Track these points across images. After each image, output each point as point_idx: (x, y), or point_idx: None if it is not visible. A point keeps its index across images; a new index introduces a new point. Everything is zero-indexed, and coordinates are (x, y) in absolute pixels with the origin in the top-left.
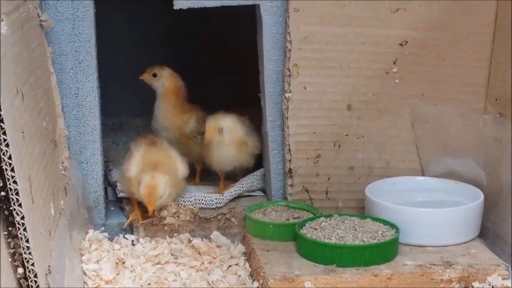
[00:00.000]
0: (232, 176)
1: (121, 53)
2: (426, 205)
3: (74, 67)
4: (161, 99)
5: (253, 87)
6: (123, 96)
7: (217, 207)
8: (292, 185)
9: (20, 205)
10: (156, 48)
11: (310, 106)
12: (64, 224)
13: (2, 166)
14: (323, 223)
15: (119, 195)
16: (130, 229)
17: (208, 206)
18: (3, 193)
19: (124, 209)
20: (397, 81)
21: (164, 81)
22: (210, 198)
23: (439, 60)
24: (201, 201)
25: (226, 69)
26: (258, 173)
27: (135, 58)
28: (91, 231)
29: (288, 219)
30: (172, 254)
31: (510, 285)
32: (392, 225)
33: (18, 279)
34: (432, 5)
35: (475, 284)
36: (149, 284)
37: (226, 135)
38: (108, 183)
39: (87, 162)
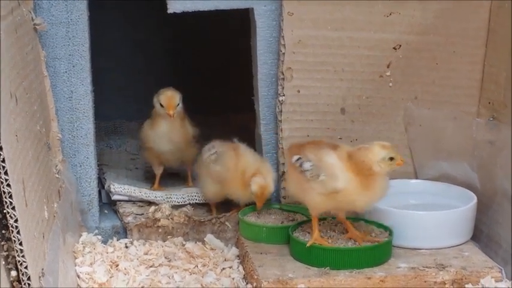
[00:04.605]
0: None
1: (115, 57)
2: (419, 208)
3: (68, 71)
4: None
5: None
6: (117, 100)
7: None
8: (285, 188)
9: (13, 208)
10: (151, 54)
11: (303, 109)
12: (57, 227)
13: None
14: None
15: (112, 198)
16: (124, 232)
17: (202, 200)
18: None
19: (117, 212)
20: (390, 84)
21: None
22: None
23: (432, 63)
24: (194, 197)
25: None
26: None
27: (129, 62)
28: (84, 234)
29: (281, 222)
30: (166, 257)
31: None
32: (386, 228)
33: (12, 282)
34: (426, 9)
35: (468, 286)
36: (143, 286)
37: None
38: (102, 186)
39: (80, 166)
